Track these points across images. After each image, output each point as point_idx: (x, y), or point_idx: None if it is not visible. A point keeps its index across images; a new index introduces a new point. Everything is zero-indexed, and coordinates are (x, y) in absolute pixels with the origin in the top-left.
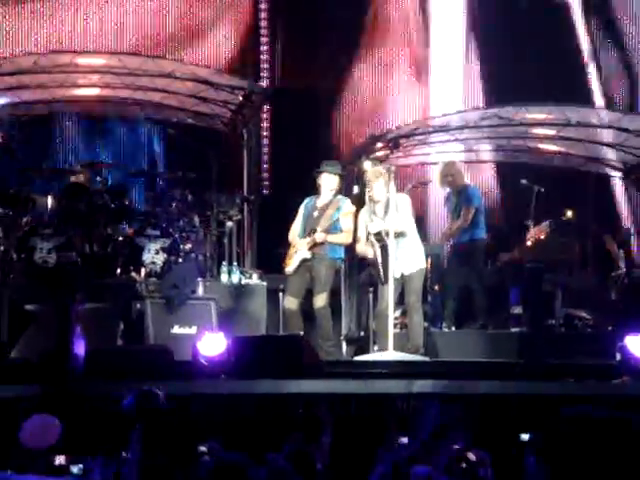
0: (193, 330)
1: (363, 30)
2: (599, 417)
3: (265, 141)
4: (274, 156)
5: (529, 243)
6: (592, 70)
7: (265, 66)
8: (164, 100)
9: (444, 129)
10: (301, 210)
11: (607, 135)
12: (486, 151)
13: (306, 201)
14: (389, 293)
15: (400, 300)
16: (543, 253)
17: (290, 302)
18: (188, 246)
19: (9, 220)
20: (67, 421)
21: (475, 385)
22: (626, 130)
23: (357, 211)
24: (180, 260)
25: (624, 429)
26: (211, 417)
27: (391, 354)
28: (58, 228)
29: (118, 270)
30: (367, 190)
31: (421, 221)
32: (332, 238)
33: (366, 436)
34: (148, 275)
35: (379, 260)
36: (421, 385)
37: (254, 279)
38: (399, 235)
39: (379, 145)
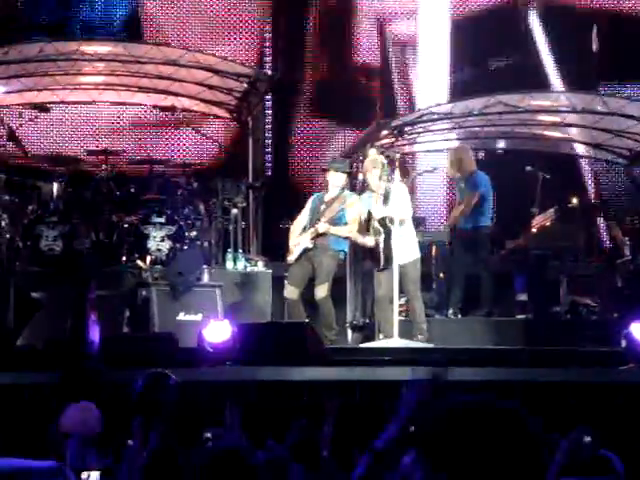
0: (198, 317)
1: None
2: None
3: (269, 128)
4: (278, 143)
5: (534, 230)
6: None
7: (268, 58)
8: (169, 87)
9: (448, 116)
10: (308, 204)
11: (611, 122)
12: (490, 138)
13: (313, 196)
14: (394, 280)
15: (399, 289)
16: (548, 240)
17: (291, 292)
18: (193, 233)
19: (15, 208)
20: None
21: (480, 372)
22: (631, 117)
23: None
24: (185, 247)
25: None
26: (216, 404)
27: (396, 341)
28: (64, 216)
29: (123, 258)
30: (366, 177)
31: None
32: (335, 230)
33: (371, 423)
34: (153, 262)
35: (381, 246)
36: (427, 372)
37: (259, 266)
38: (400, 223)
39: (384, 133)
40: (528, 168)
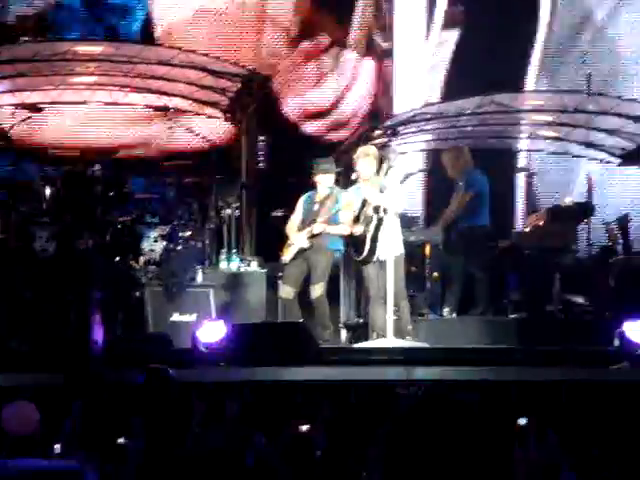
0: (192, 317)
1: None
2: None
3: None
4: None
5: (527, 229)
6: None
7: None
8: (162, 87)
9: (442, 116)
10: (300, 204)
11: (603, 121)
12: (483, 137)
13: (304, 196)
14: (387, 277)
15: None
16: (542, 239)
17: (286, 292)
18: (187, 233)
19: (7, 208)
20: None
21: (475, 372)
22: (624, 116)
23: None
24: (179, 248)
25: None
26: (211, 404)
27: (390, 341)
28: (57, 216)
29: (117, 258)
30: (355, 169)
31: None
32: (331, 229)
33: (365, 423)
34: (147, 263)
35: (368, 235)
36: (421, 372)
37: (253, 266)
38: (394, 215)
39: (377, 133)
40: (520, 167)
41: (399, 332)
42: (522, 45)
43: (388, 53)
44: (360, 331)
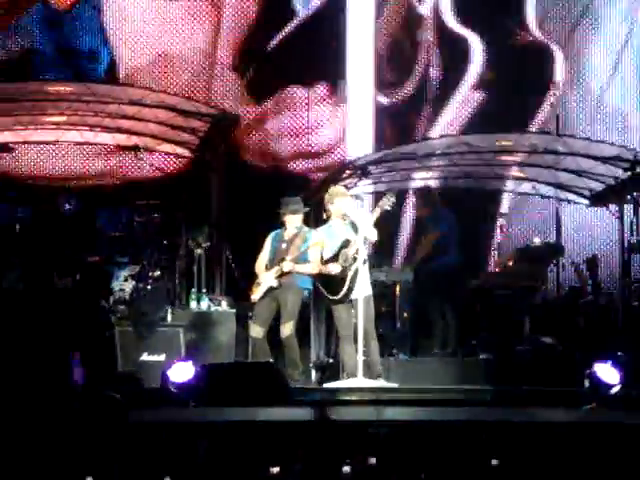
0: (162, 357)
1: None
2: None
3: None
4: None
5: (497, 269)
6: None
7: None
8: (133, 127)
9: (412, 156)
10: (268, 242)
11: (573, 162)
12: (454, 178)
13: (272, 234)
14: (358, 317)
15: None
16: (512, 279)
17: (256, 331)
18: (157, 273)
19: None
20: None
21: (445, 412)
22: (593, 157)
23: None
24: (149, 287)
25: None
26: (180, 445)
27: (360, 381)
28: (25, 255)
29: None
30: (328, 207)
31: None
32: (300, 268)
33: (336, 462)
34: (116, 302)
35: (348, 276)
36: (391, 412)
37: (223, 306)
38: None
39: (347, 172)
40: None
41: (369, 372)
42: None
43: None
44: (330, 371)
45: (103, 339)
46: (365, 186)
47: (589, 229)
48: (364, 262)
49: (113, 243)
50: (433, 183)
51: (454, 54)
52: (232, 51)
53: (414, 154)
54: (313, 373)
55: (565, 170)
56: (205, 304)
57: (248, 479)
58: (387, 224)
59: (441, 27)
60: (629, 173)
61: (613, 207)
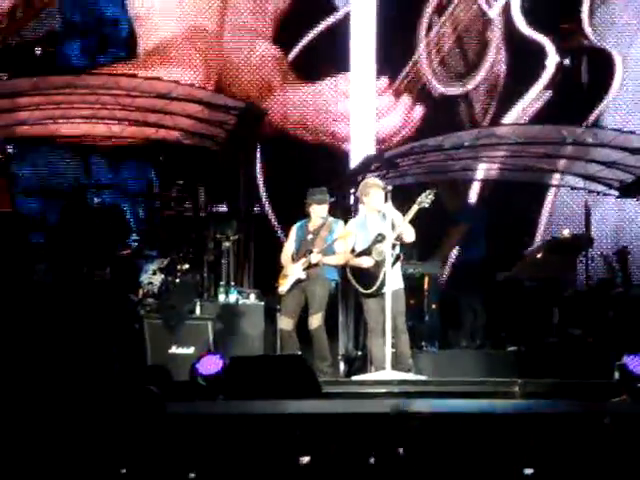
0: (191, 350)
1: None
2: None
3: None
4: (268, 176)
5: (526, 262)
6: None
7: None
8: (160, 120)
9: (440, 149)
10: (293, 233)
11: (602, 153)
12: (482, 170)
13: (297, 224)
14: (386, 309)
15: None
16: (540, 271)
17: (285, 323)
18: (185, 266)
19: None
20: None
21: (473, 404)
22: (622, 149)
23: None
24: (177, 280)
25: None
26: (209, 438)
27: (389, 373)
28: (56, 249)
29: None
30: (363, 199)
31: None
32: (327, 260)
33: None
34: (145, 295)
35: (382, 269)
36: (419, 404)
37: (251, 299)
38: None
39: (375, 165)
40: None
41: (398, 365)
42: None
43: None
44: (358, 364)
45: (133, 332)
46: (392, 179)
47: (619, 220)
48: (398, 258)
49: (142, 237)
50: (460, 176)
51: (522, 55)
52: (272, 22)
53: (442, 146)
54: (341, 365)
55: (594, 161)
56: (233, 297)
57: (277, 471)
58: (424, 222)
59: (510, 28)
60: None
61: None
